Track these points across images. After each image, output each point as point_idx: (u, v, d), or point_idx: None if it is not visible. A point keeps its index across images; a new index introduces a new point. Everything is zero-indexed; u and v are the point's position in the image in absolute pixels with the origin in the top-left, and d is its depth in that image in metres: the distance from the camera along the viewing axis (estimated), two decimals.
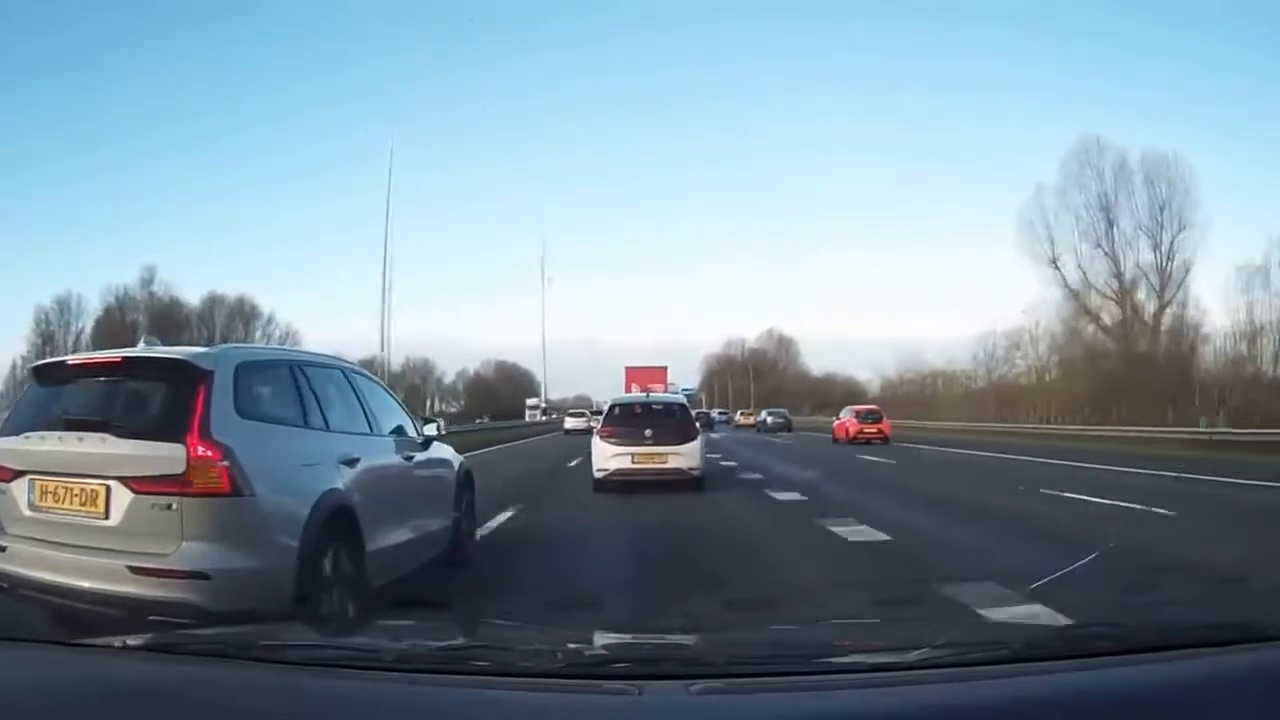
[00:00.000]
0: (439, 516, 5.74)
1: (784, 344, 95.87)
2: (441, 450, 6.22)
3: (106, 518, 3.56)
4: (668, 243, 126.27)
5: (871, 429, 29.20)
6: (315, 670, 1.36)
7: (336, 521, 4.05)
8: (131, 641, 1.49)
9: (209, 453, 3.57)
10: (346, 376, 5.16)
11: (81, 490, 3.61)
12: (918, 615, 3.80)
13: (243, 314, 62.65)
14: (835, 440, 29.43)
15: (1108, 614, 2.04)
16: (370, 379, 5.66)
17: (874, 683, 1.25)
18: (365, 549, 4.26)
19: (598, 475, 11.45)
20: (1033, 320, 44.27)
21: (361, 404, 5.08)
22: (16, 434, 3.92)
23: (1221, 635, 1.47)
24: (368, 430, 5.01)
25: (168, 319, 61.59)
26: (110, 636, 1.55)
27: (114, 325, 60.53)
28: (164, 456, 3.54)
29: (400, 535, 4.88)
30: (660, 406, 12.46)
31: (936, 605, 3.97)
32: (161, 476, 3.53)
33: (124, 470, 3.56)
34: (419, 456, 5.59)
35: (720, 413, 71.46)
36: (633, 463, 11.38)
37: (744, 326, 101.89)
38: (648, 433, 11.56)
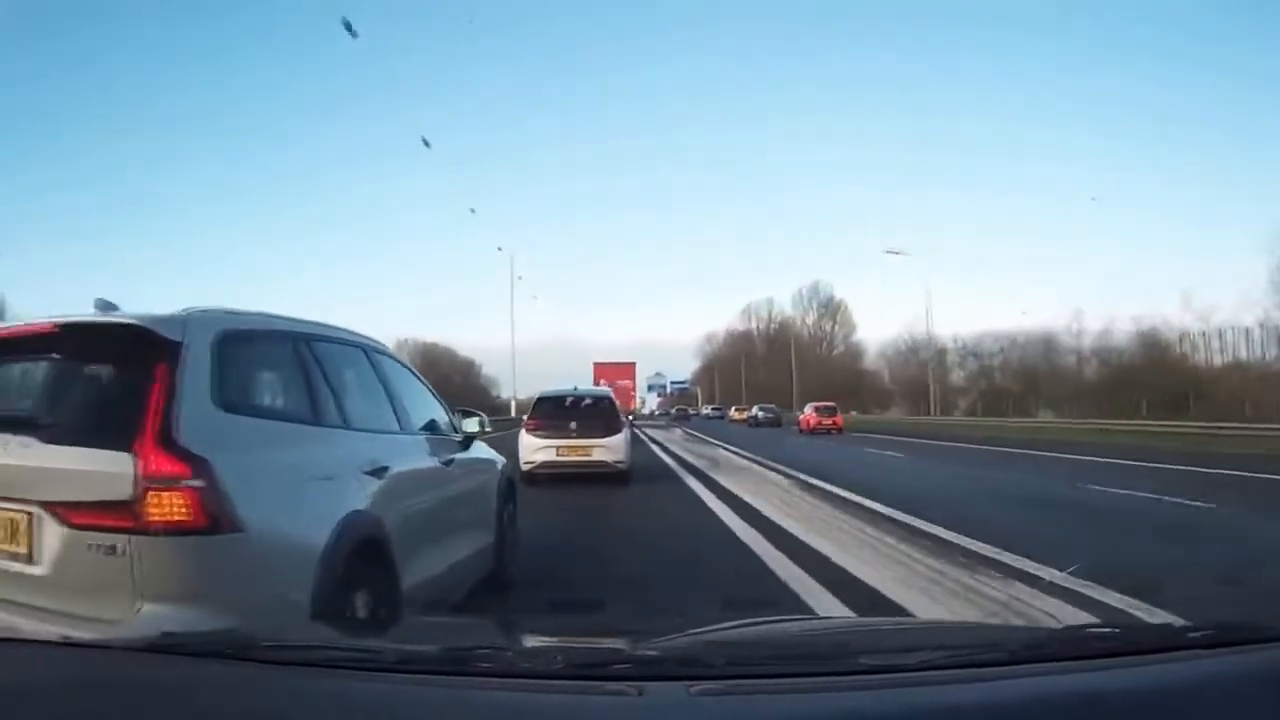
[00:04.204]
0: (482, 533, 4.70)
1: (831, 310, 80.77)
2: (481, 450, 5.07)
3: (31, 561, 2.42)
4: (652, 235, 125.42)
5: (828, 421, 35.56)
6: (315, 670, 1.36)
7: (363, 556, 2.95)
8: (131, 641, 1.49)
9: (172, 465, 2.42)
10: (368, 356, 3.96)
11: (10, 520, 2.45)
12: (918, 618, 3.85)
13: None
14: (800, 431, 35.39)
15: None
16: (397, 360, 4.47)
17: (875, 684, 1.25)
18: (400, 587, 3.20)
19: (524, 468, 11.45)
20: None
21: (388, 393, 3.95)
22: None
23: (1222, 635, 1.47)
24: (397, 427, 3.91)
25: None
26: (110, 637, 1.55)
27: None
28: (108, 473, 2.39)
29: (441, 563, 3.85)
30: (588, 400, 12.68)
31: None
32: (102, 503, 2.38)
33: (54, 492, 2.41)
34: (459, 459, 4.49)
35: (714, 408, 71.15)
36: (558, 455, 11.67)
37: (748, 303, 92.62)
38: (573, 425, 11.89)
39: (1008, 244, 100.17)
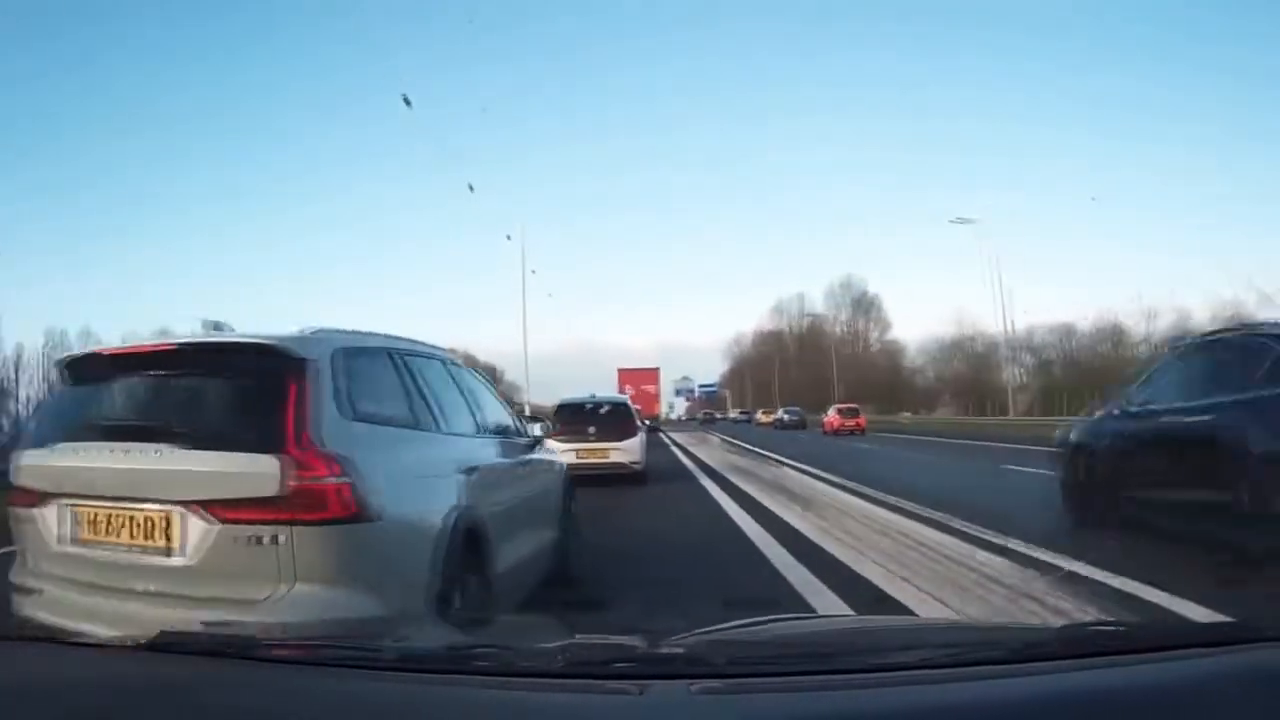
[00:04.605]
0: (550, 529, 4.99)
1: (863, 306, 77.65)
2: (546, 452, 5.48)
3: (175, 554, 2.76)
4: (673, 240, 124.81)
5: (850, 422, 36.79)
6: (316, 670, 1.36)
7: (467, 546, 3.30)
8: (131, 641, 1.49)
9: (325, 465, 2.77)
10: (446, 366, 4.32)
11: (144, 519, 2.80)
12: (919, 617, 3.86)
13: None
14: (824, 433, 36.56)
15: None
16: (468, 370, 4.86)
17: (875, 682, 1.25)
18: (493, 576, 3.54)
19: None
20: None
21: (465, 399, 4.30)
22: (42, 446, 3.12)
23: (1223, 634, 1.47)
24: (476, 431, 4.25)
25: None
26: (110, 636, 1.55)
27: None
28: (255, 473, 2.73)
29: (521, 556, 4.16)
30: (605, 407, 13.61)
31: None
32: (254, 499, 2.71)
33: (197, 492, 2.74)
34: (529, 459, 4.88)
35: (742, 412, 70.98)
36: (578, 457, 12.13)
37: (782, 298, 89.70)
38: (591, 430, 12.74)
39: (1007, 243, 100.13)
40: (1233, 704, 1.20)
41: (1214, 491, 5.57)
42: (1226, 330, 6.89)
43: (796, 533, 7.68)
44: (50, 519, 2.98)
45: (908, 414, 51.59)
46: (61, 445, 3.04)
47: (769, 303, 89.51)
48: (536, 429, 5.30)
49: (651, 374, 74.06)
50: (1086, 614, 4.33)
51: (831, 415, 38.83)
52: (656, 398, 72.53)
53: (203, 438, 2.85)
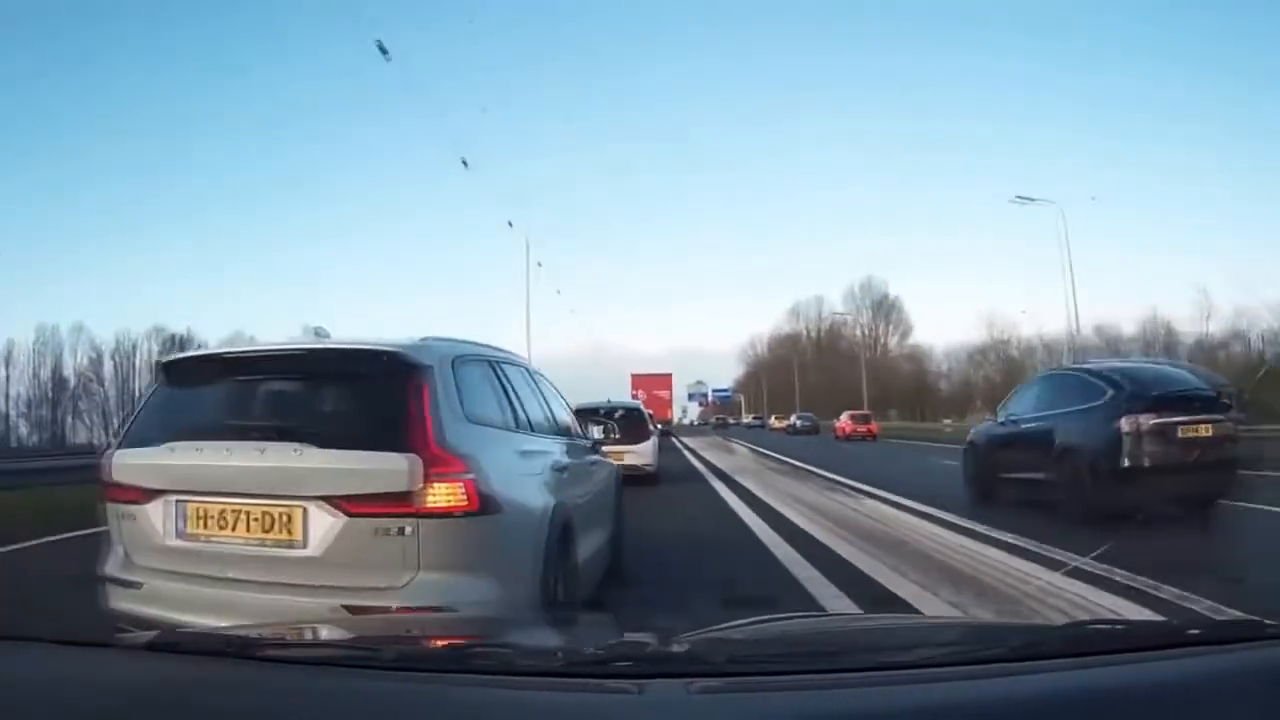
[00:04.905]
0: (609, 525, 5.28)
1: (884, 309, 75.24)
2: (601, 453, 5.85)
3: (302, 546, 2.91)
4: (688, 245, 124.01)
5: (862, 428, 37.59)
6: (316, 669, 1.36)
7: (563, 539, 3.56)
8: (131, 641, 1.49)
9: (450, 463, 2.97)
10: (528, 373, 4.61)
11: (263, 513, 2.95)
12: (921, 615, 3.87)
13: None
14: (836, 438, 37.56)
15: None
16: (542, 375, 5.11)
17: (876, 681, 1.25)
18: (577, 568, 3.79)
19: None
20: None
21: (543, 403, 4.58)
22: (150, 445, 3.19)
23: (1224, 632, 1.47)
24: (554, 432, 4.53)
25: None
26: (110, 636, 1.55)
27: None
28: (389, 470, 2.90)
29: (594, 549, 4.44)
30: (619, 411, 14.27)
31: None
32: (387, 495, 2.89)
33: (328, 488, 2.90)
34: (593, 460, 5.19)
35: (755, 417, 70.71)
36: None
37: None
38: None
39: (1006, 242, 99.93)
40: (1235, 702, 1.20)
41: (1042, 473, 8.77)
42: (1060, 367, 11.42)
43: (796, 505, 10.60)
44: (156, 515, 3.09)
45: (949, 421, 48.37)
46: (178, 444, 3.12)
47: (785, 306, 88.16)
48: (596, 431, 5.88)
49: (665, 379, 74.14)
50: (970, 553, 6.62)
51: (844, 421, 39.52)
52: (669, 403, 72.40)
53: (336, 437, 3.01)
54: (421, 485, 2.90)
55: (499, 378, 3.91)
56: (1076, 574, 5.25)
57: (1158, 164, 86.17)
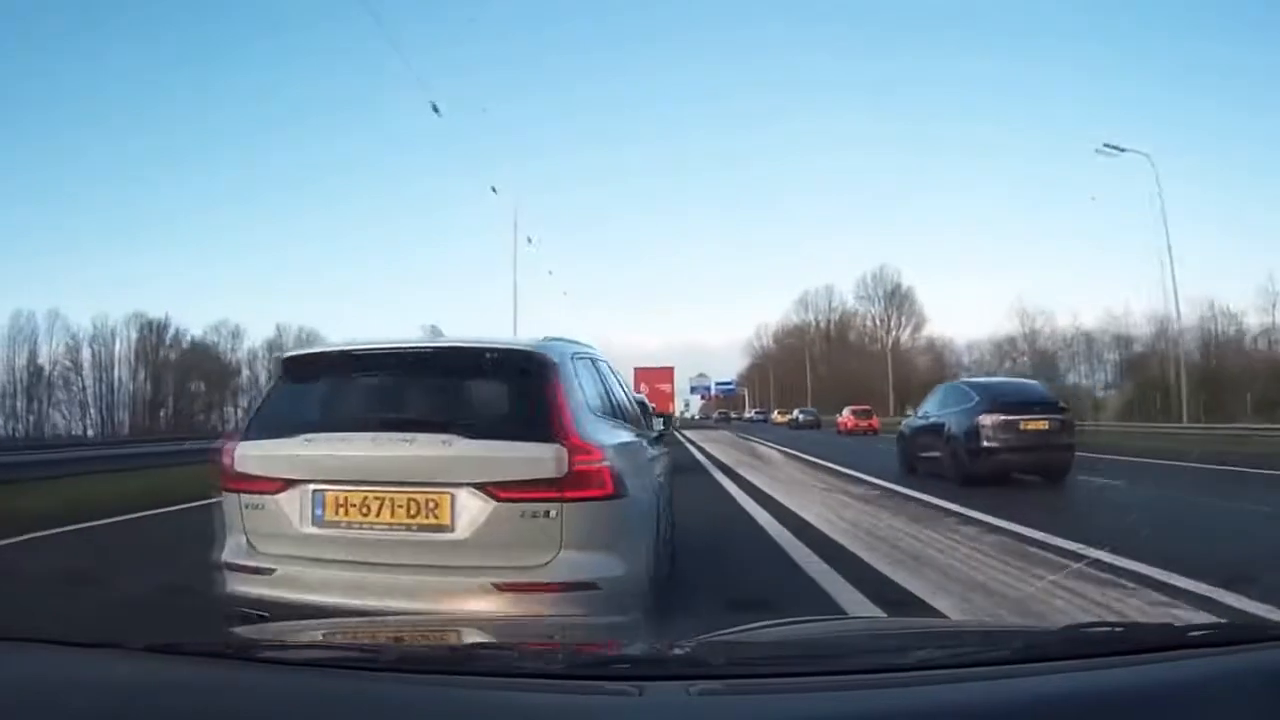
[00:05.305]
0: (670, 507, 5.69)
1: (896, 299, 73.31)
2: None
3: (450, 530, 3.10)
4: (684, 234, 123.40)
5: (864, 423, 38.62)
6: (315, 670, 1.36)
7: (660, 519, 4.00)
8: (131, 641, 1.49)
9: (591, 452, 3.22)
10: (610, 368, 4.82)
11: (408, 500, 3.13)
12: (921, 618, 3.89)
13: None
14: (838, 432, 38.68)
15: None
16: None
17: (875, 683, 1.25)
18: (668, 545, 4.29)
19: None
20: None
21: (626, 397, 4.91)
22: (281, 437, 3.34)
23: (1224, 634, 1.47)
24: (635, 423, 4.74)
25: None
26: (110, 636, 1.55)
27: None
28: (535, 458, 3.12)
29: (666, 534, 4.70)
30: None
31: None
32: (534, 481, 3.10)
33: (477, 475, 3.10)
34: (662, 449, 5.55)
35: (758, 411, 70.52)
36: None
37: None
38: None
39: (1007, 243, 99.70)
40: (1234, 704, 1.20)
41: (938, 452, 12.95)
42: (950, 381, 15.76)
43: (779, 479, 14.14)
44: (291, 503, 3.23)
45: None
46: (316, 436, 3.29)
47: (792, 297, 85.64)
48: (659, 424, 6.36)
49: (667, 372, 73.90)
50: (871, 493, 10.51)
51: (846, 416, 40.46)
52: (671, 396, 72.23)
53: (482, 429, 3.24)
54: (566, 472, 3.12)
55: (600, 373, 4.21)
56: (936, 508, 9.16)
57: (1218, 142, 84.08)
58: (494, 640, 1.72)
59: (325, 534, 3.18)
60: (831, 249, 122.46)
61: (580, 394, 3.51)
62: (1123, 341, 51.72)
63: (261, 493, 3.28)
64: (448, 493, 3.10)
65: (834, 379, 67.10)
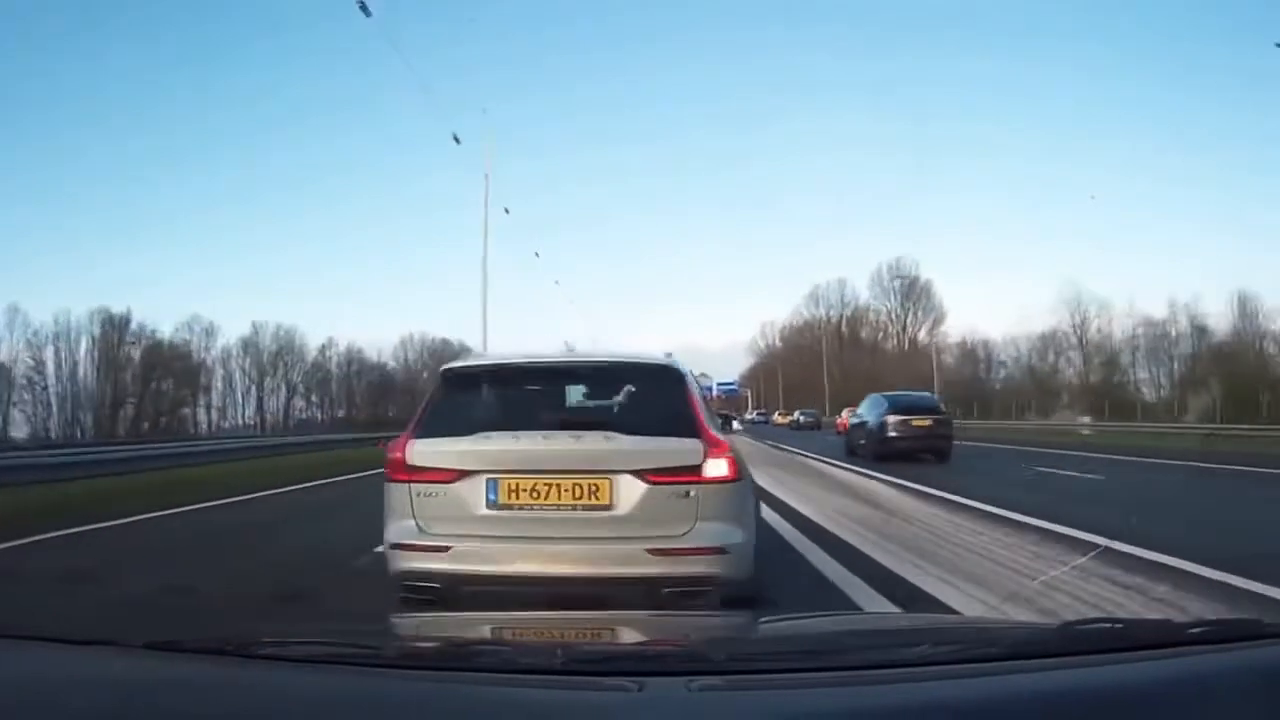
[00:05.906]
0: None
1: (916, 292, 70.91)
2: None
3: (611, 508, 3.85)
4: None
5: None
6: (315, 668, 1.36)
7: (756, 498, 4.79)
8: (131, 640, 1.49)
9: (722, 446, 4.00)
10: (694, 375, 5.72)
11: (573, 485, 3.87)
12: (920, 614, 3.93)
13: None
14: (838, 432, 38.77)
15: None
16: None
17: (875, 679, 1.25)
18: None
19: None
20: None
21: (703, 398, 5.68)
22: (455, 436, 4.03)
23: (1222, 631, 1.47)
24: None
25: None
26: (109, 635, 1.55)
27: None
28: (680, 450, 3.92)
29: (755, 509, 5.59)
30: None
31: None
32: (679, 468, 3.89)
33: (635, 464, 3.87)
34: None
35: (760, 413, 70.27)
36: None
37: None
38: None
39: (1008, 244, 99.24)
40: (1233, 701, 1.20)
41: (864, 440, 20.28)
42: (876, 393, 21.98)
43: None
44: (467, 490, 3.92)
45: (1088, 419, 39.73)
46: (492, 434, 4.01)
47: (801, 293, 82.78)
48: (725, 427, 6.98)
49: None
50: (816, 464, 17.98)
51: (845, 416, 40.96)
52: None
53: (636, 427, 4.00)
54: (703, 461, 3.89)
55: (696, 383, 4.82)
56: (856, 471, 15.20)
57: (1218, 142, 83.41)
58: (493, 637, 1.72)
59: (499, 515, 3.88)
60: (832, 249, 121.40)
61: (700, 398, 4.30)
62: (1197, 332, 49.36)
63: (434, 482, 3.96)
64: (609, 478, 3.86)
65: (845, 378, 65.26)
